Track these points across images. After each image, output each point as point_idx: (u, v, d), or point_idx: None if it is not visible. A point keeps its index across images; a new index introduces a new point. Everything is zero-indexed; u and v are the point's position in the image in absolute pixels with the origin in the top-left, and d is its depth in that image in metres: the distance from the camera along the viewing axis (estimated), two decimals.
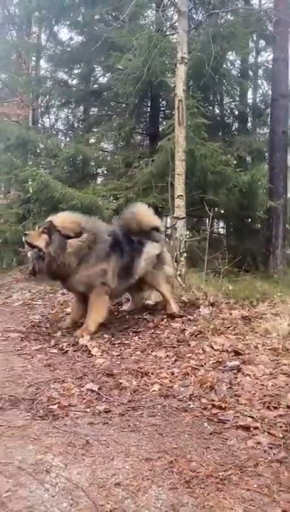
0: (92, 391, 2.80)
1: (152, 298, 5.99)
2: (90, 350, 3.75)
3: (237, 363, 3.24)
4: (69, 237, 4.28)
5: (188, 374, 3.11)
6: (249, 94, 14.65)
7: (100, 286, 4.43)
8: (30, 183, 10.40)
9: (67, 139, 13.37)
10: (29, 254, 4.48)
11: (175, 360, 3.50)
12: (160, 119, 12.89)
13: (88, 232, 4.41)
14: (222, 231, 14.05)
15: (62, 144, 11.37)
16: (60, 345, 3.95)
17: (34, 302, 7.08)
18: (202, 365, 3.28)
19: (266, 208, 10.72)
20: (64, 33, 20.17)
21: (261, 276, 9.38)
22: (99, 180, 12.46)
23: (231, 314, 4.97)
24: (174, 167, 7.58)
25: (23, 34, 16.12)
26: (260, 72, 14.69)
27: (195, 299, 5.67)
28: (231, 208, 10.77)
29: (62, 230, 4.28)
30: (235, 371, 3.12)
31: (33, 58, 14.73)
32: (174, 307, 5.03)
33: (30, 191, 10.32)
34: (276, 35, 10.53)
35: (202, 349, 3.70)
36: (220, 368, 3.21)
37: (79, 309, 4.75)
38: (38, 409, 2.50)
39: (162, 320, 4.83)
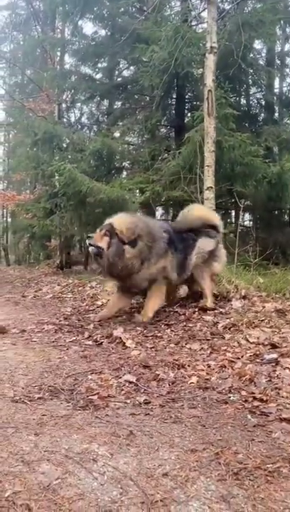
0: (130, 382, 2.81)
1: (180, 292, 5.98)
2: (124, 342, 3.77)
3: (274, 355, 3.20)
4: (124, 243, 4.42)
5: (225, 367, 3.08)
6: (276, 84, 14.40)
7: (161, 280, 4.68)
8: (57, 177, 10.49)
9: (92, 134, 13.41)
10: (92, 253, 4.65)
11: (211, 352, 3.47)
12: (186, 111, 12.80)
13: (144, 237, 4.51)
14: (248, 223, 13.90)
15: (88, 138, 11.41)
16: (94, 337, 3.98)
17: (64, 295, 7.15)
18: (238, 358, 3.25)
19: None
20: (88, 27, 20.22)
21: None
22: (125, 174, 12.46)
23: (264, 307, 4.91)
24: (202, 159, 7.53)
25: (48, 29, 16.21)
26: (288, 60, 14.43)
27: (226, 292, 5.62)
28: (259, 199, 10.63)
29: (120, 234, 4.42)
30: (273, 364, 3.07)
31: (58, 53, 14.81)
32: (210, 302, 5.03)
33: (58, 186, 10.41)
34: None
35: (238, 342, 3.66)
36: (258, 360, 3.17)
37: (118, 304, 4.87)
38: (78, 400, 2.52)
39: (193, 313, 4.82)
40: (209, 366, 3.13)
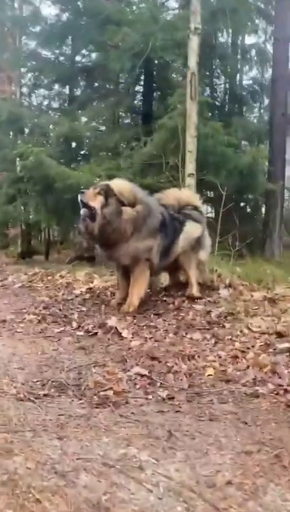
0: (142, 375, 2.54)
1: (162, 280, 5.76)
2: (121, 333, 3.48)
3: (286, 345, 3.03)
4: (123, 205, 4.15)
5: (237, 357, 2.88)
6: (241, 76, 14.39)
7: (144, 262, 4.35)
8: (18, 161, 9.97)
9: (56, 118, 12.86)
10: (82, 213, 4.24)
11: (216, 342, 3.26)
12: (154, 99, 12.54)
13: (143, 204, 4.27)
14: (211, 215, 13.82)
15: (54, 122, 10.89)
16: (86, 328, 3.66)
17: (34, 284, 6.73)
18: (248, 348, 3.05)
19: (264, 191, 10.58)
20: (49, 8, 19.33)
21: (261, 260, 9.22)
22: (92, 160, 12.02)
23: (252, 296, 4.78)
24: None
25: (6, 8, 15.34)
26: (253, 53, 14.37)
27: (210, 281, 5.45)
28: (230, 190, 10.55)
29: (119, 196, 4.13)
30: (287, 354, 2.91)
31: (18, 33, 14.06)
32: (195, 290, 4.82)
33: (20, 170, 9.87)
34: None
35: (241, 331, 3.48)
36: (270, 350, 2.99)
37: (126, 286, 4.58)
38: (90, 396, 2.23)
39: (183, 302, 4.60)
40: (220, 357, 2.92)
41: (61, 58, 13.35)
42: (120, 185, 4.33)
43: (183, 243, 4.73)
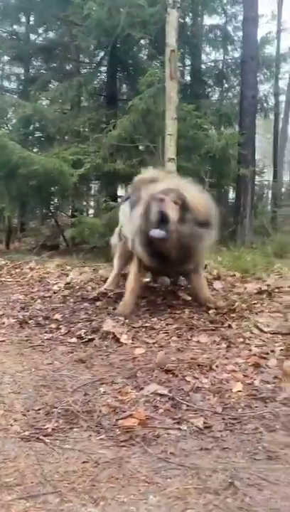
0: (162, 395, 2.17)
1: None
2: (119, 338, 3.09)
3: None
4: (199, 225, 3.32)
5: (259, 365, 2.56)
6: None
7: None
8: None
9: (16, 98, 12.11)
10: (156, 216, 3.20)
11: (228, 346, 2.93)
12: (118, 80, 12.02)
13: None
14: None
15: (16, 104, 10.17)
16: (77, 333, 3.25)
17: (3, 279, 6.18)
18: (267, 353, 2.74)
19: (236, 176, 10.36)
20: None
21: (234, 247, 8.99)
22: (55, 143, 11.39)
23: (245, 288, 4.49)
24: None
25: None
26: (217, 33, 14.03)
27: None
28: (200, 175, 10.28)
29: (197, 216, 3.27)
30: None
31: None
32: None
33: None
34: None
35: (251, 332, 3.17)
36: None
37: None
38: (110, 428, 1.85)
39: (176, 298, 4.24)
40: (239, 365, 2.59)
41: (17, 36, 12.58)
42: (194, 196, 3.39)
43: None
